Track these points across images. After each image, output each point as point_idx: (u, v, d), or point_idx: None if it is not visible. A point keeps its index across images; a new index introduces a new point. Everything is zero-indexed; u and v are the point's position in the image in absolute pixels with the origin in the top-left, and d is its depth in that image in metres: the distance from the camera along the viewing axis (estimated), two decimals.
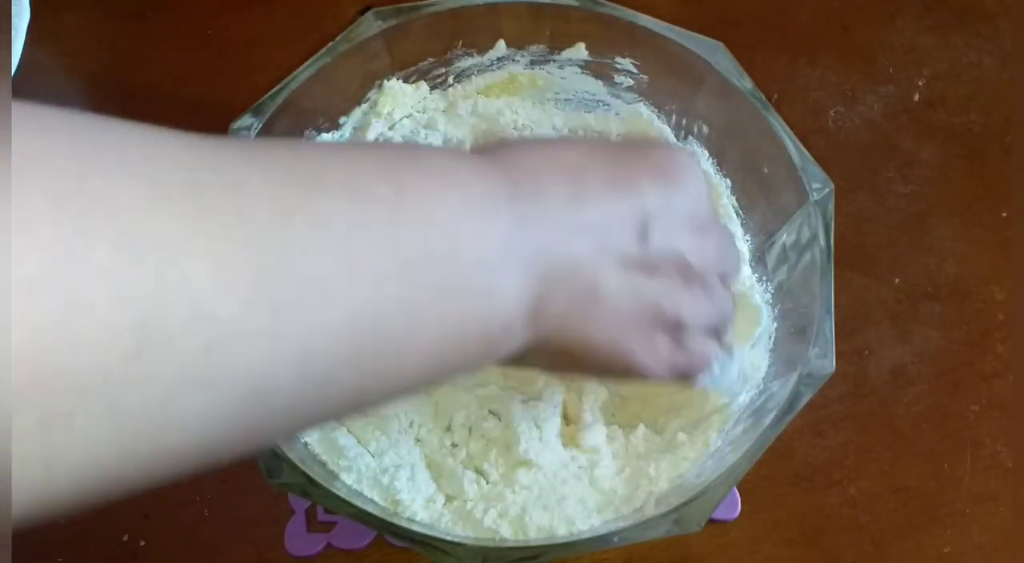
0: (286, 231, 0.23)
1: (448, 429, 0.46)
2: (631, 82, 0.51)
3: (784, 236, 0.46)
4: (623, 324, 0.33)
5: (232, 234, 0.22)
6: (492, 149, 0.34)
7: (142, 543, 0.48)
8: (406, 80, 0.50)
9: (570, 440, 0.46)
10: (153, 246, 0.20)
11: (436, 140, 0.51)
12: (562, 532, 0.42)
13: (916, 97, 0.61)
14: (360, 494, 0.42)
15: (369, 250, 0.25)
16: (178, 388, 0.21)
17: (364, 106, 0.50)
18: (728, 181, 0.50)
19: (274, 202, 0.24)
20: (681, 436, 0.45)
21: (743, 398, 0.44)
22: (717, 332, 0.38)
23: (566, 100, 0.53)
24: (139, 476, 0.22)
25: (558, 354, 0.33)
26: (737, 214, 0.49)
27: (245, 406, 0.23)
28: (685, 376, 0.37)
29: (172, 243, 0.21)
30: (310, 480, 0.38)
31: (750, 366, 0.44)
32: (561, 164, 0.33)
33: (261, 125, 0.44)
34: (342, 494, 0.39)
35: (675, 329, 0.35)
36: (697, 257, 0.35)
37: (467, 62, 0.51)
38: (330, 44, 0.46)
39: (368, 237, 0.26)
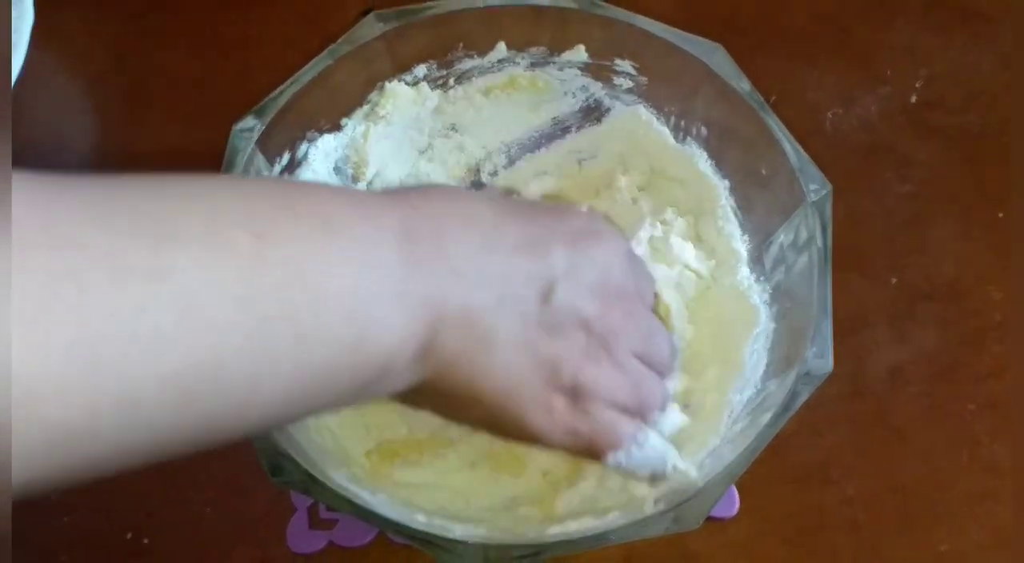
0: (120, 289, 0.24)
1: None
2: (630, 84, 0.51)
3: (782, 237, 0.46)
4: (516, 377, 0.33)
5: (53, 297, 0.23)
6: (396, 193, 0.34)
7: (145, 541, 0.48)
8: (407, 82, 0.51)
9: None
10: None
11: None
12: (560, 530, 0.42)
13: (914, 98, 0.61)
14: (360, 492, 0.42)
15: (215, 304, 0.25)
16: None
17: (365, 108, 0.50)
18: (727, 182, 0.50)
19: (113, 257, 0.24)
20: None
21: (743, 397, 0.45)
22: (637, 413, 0.37)
23: None
24: None
25: (447, 398, 0.33)
26: (735, 214, 0.50)
27: (58, 452, 0.23)
28: (589, 449, 0.36)
29: None
30: (312, 477, 0.38)
31: (676, 456, 0.40)
32: (468, 215, 0.33)
33: (263, 127, 0.44)
34: (343, 491, 0.39)
35: (576, 395, 0.35)
36: (601, 323, 0.35)
37: (468, 64, 0.51)
38: (332, 46, 0.46)
39: (216, 291, 0.26)
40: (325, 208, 0.30)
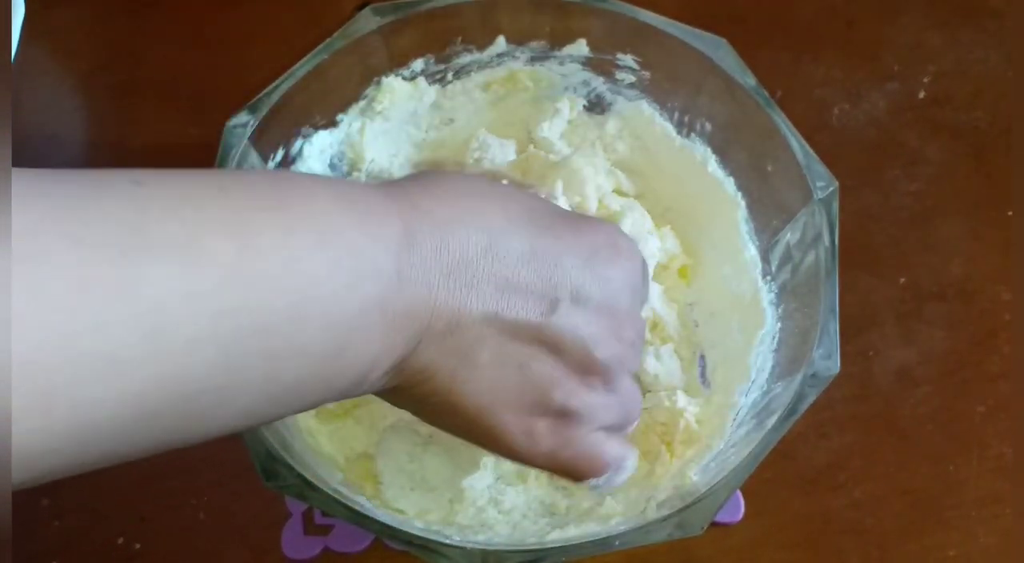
0: (80, 306, 0.22)
1: None
2: (633, 79, 0.50)
3: (788, 235, 0.45)
4: (497, 395, 0.32)
5: (4, 315, 0.21)
6: (398, 188, 0.32)
7: (137, 546, 0.47)
8: (404, 77, 0.50)
9: None
10: None
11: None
12: (561, 535, 0.42)
13: (921, 94, 0.60)
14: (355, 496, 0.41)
15: (187, 320, 0.24)
16: None
17: (361, 103, 0.49)
18: (732, 179, 0.49)
19: (76, 269, 0.22)
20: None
21: (748, 400, 0.44)
22: (621, 429, 0.36)
23: None
24: None
25: (422, 404, 0.32)
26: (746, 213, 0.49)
27: (13, 468, 0.22)
28: (568, 473, 0.35)
29: None
30: (306, 482, 0.37)
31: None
32: (475, 216, 0.31)
33: (257, 123, 0.43)
34: (338, 496, 0.38)
35: (563, 418, 0.33)
36: (604, 348, 0.33)
37: (466, 58, 0.50)
38: (327, 40, 0.46)
39: (189, 306, 0.24)
40: (318, 208, 0.28)
